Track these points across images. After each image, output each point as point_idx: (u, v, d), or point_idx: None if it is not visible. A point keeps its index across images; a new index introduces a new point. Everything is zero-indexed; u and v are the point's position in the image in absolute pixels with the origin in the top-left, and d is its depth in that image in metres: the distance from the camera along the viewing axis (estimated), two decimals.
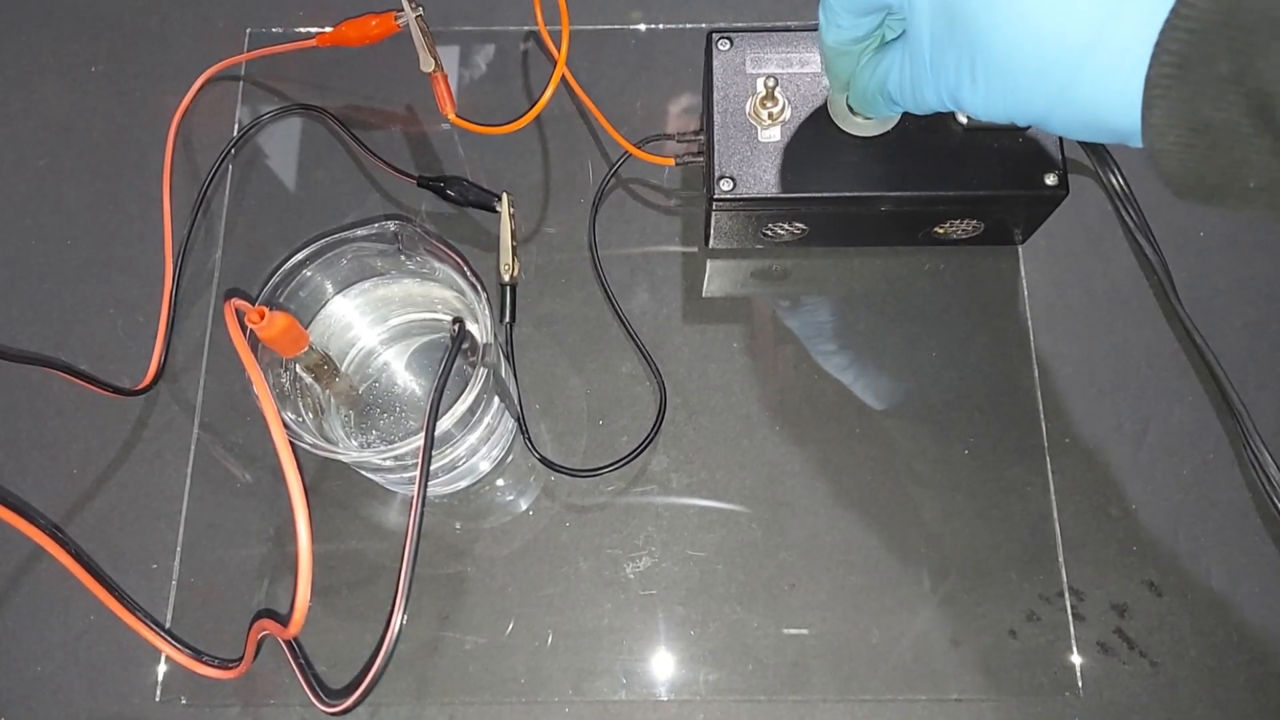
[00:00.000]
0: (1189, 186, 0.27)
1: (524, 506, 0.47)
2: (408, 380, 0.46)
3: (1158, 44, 0.25)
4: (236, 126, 0.55)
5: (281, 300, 0.40)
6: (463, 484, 0.47)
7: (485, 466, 0.47)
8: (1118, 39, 0.26)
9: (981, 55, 0.30)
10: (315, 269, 0.41)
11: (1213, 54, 0.24)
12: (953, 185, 0.44)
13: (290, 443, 0.33)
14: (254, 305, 0.35)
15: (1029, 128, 0.45)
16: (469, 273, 0.40)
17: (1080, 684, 0.44)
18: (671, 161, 0.51)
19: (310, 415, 0.42)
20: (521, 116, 0.51)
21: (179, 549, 0.47)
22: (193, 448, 0.49)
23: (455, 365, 0.37)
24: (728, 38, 0.47)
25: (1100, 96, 0.28)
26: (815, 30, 0.46)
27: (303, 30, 0.57)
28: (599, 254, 0.51)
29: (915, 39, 0.33)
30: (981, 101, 0.32)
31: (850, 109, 0.45)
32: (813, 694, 0.44)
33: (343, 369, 0.44)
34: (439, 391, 0.36)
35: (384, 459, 0.38)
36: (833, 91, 0.45)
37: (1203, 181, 0.27)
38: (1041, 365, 0.49)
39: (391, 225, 0.40)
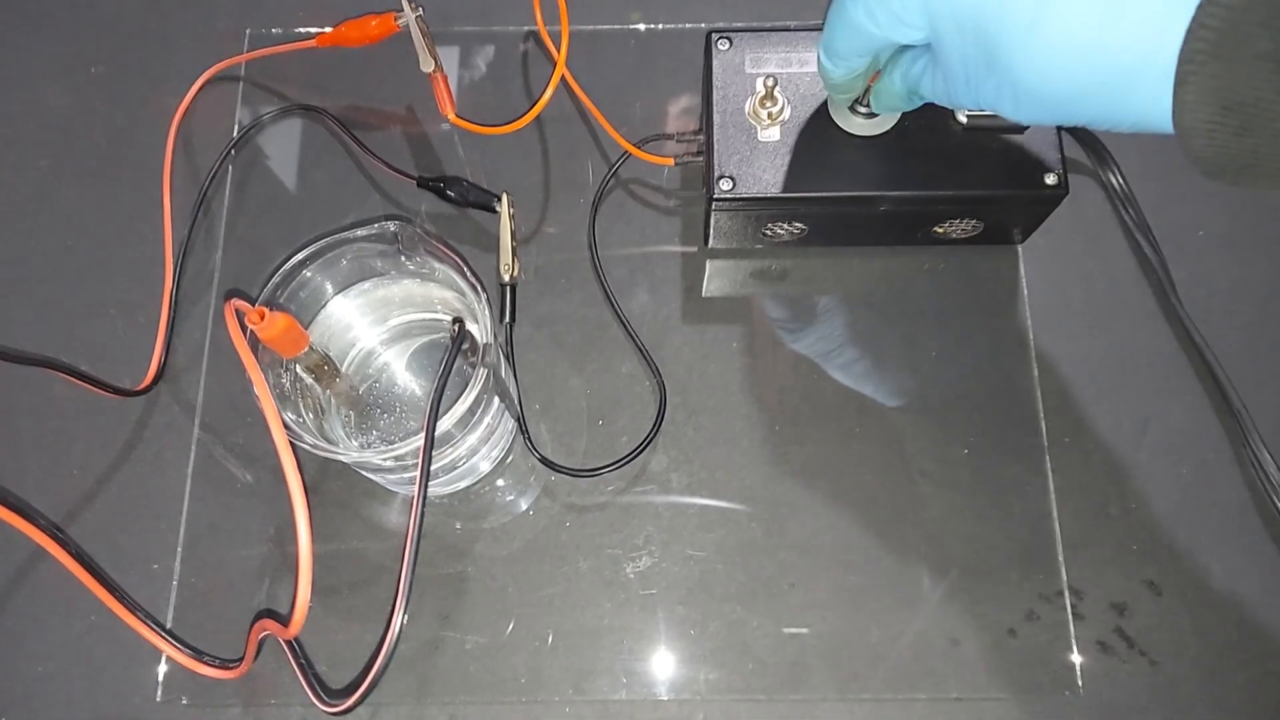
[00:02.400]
0: (1218, 166, 0.27)
1: (524, 506, 0.48)
2: (408, 380, 0.46)
3: (1194, 20, 0.25)
4: (236, 127, 0.55)
5: (281, 301, 0.40)
6: (463, 484, 0.47)
7: (485, 466, 0.47)
8: (1161, 64, 0.26)
9: (1023, 87, 0.30)
10: (315, 269, 0.41)
11: (1250, 31, 0.24)
12: (953, 185, 0.44)
13: (290, 443, 0.33)
14: (254, 306, 0.35)
15: (1030, 127, 0.45)
16: (469, 273, 0.40)
17: (1080, 683, 0.44)
18: (671, 161, 0.51)
19: (310, 415, 0.42)
20: (521, 116, 0.51)
21: (179, 549, 0.47)
22: (193, 448, 0.49)
23: (455, 365, 0.37)
24: (727, 38, 0.47)
25: (1151, 110, 0.28)
26: (815, 30, 0.47)
27: (303, 30, 0.57)
28: (599, 254, 0.51)
29: (947, 65, 0.33)
30: (1025, 118, 0.32)
31: (851, 108, 0.45)
32: (813, 693, 0.44)
33: (343, 369, 0.44)
34: (439, 391, 0.36)
35: (384, 459, 0.38)
36: (839, 105, 0.45)
37: (1232, 161, 0.27)
38: (1041, 365, 0.49)
39: (391, 225, 0.40)
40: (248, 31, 0.58)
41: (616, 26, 0.57)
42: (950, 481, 0.47)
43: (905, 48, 0.37)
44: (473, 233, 0.52)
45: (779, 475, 0.47)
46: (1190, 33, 0.25)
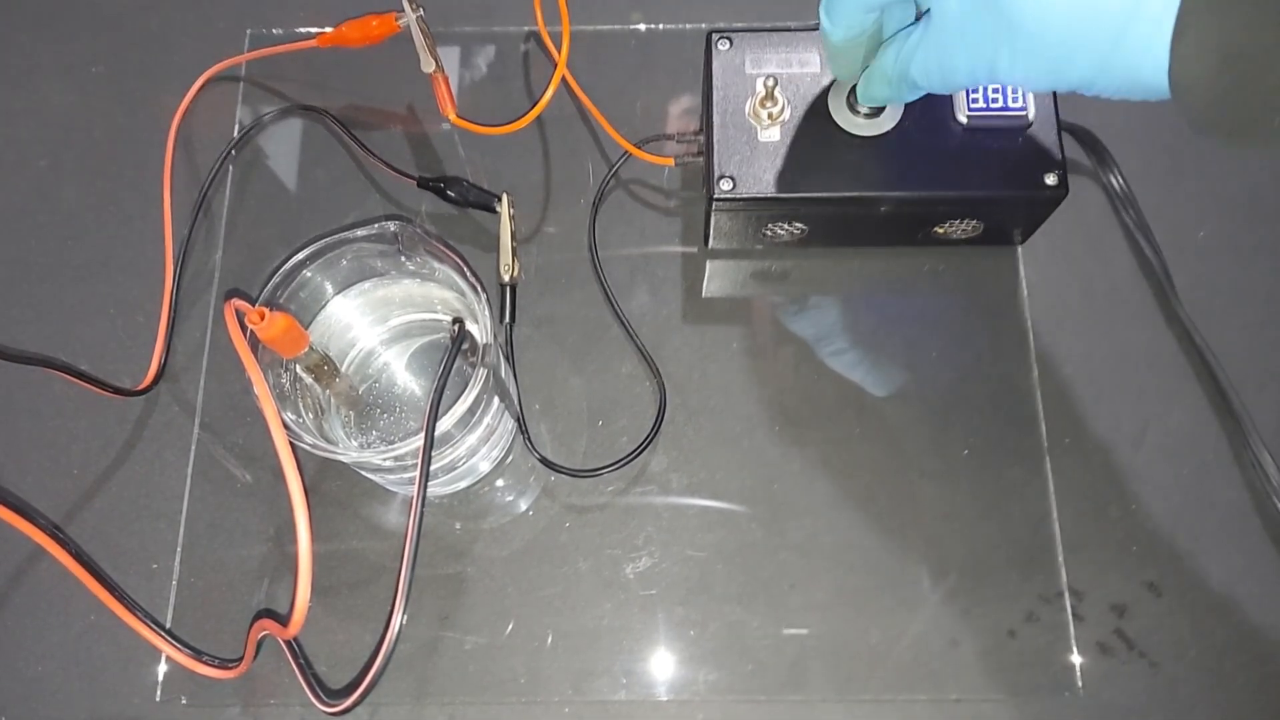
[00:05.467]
0: (1212, 121, 0.27)
1: (524, 506, 0.47)
2: (408, 380, 0.46)
3: None
4: (237, 126, 0.55)
5: (281, 300, 0.40)
6: (463, 484, 0.47)
7: (485, 467, 0.47)
8: (1152, 9, 0.26)
9: (1020, 33, 0.30)
10: (315, 269, 0.41)
11: None
12: (953, 185, 0.44)
13: (290, 443, 0.33)
14: (254, 305, 0.35)
15: (1030, 127, 0.45)
16: (469, 273, 0.40)
17: (1080, 684, 0.44)
18: (671, 161, 0.51)
19: (310, 415, 0.42)
20: (522, 117, 0.51)
21: (179, 549, 0.47)
22: (193, 448, 0.49)
23: (455, 365, 0.37)
24: (727, 38, 0.47)
25: (1145, 58, 0.27)
26: (815, 30, 0.47)
27: (303, 30, 0.57)
28: (599, 254, 0.51)
29: (942, 21, 0.33)
30: (1020, 76, 0.31)
31: (851, 108, 0.45)
32: (812, 694, 0.44)
33: (343, 369, 0.44)
34: (439, 391, 0.36)
35: (384, 459, 0.38)
36: (843, 83, 0.44)
37: (1225, 116, 0.26)
38: (1041, 365, 0.49)
39: (391, 225, 0.40)
40: (248, 31, 0.58)
41: (617, 27, 0.57)
42: (950, 482, 0.47)
43: (895, 34, 0.37)
44: (473, 233, 0.52)
45: (779, 475, 0.47)
46: None
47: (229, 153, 0.54)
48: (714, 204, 0.45)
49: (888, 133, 0.45)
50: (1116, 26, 0.27)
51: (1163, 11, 0.26)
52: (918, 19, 0.37)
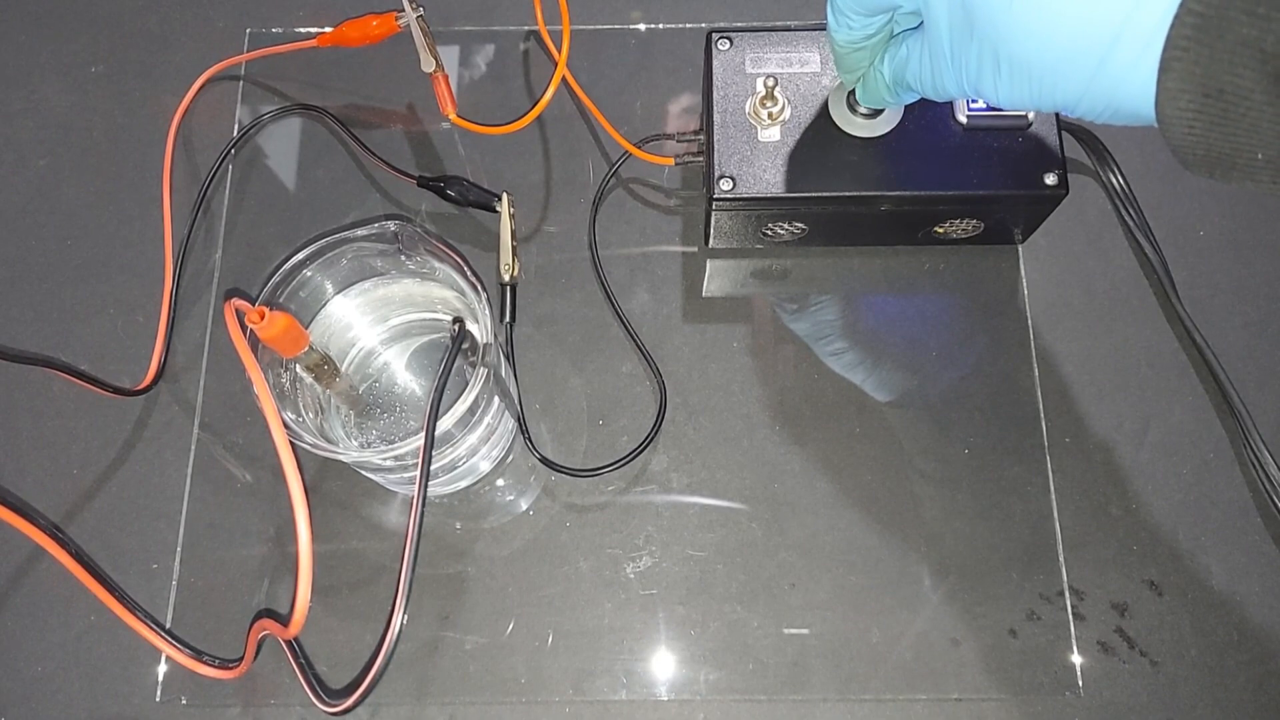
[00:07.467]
0: (1197, 157, 0.27)
1: (524, 506, 0.47)
2: (408, 380, 0.46)
3: (1181, 4, 0.25)
4: (236, 126, 0.55)
5: (281, 300, 0.40)
6: (463, 484, 0.47)
7: (485, 466, 0.47)
8: (1143, 28, 0.26)
9: (1004, 51, 0.30)
10: (315, 269, 0.41)
11: (1234, 16, 0.24)
12: (953, 185, 0.44)
13: (290, 443, 0.33)
14: (254, 305, 0.35)
15: (1029, 127, 0.45)
16: (469, 273, 0.40)
17: (1080, 683, 0.44)
18: (671, 161, 0.51)
19: (310, 415, 0.42)
20: (522, 116, 0.51)
21: (179, 549, 0.47)
22: (193, 448, 0.49)
23: (455, 365, 0.37)
24: (728, 37, 0.47)
25: (1127, 85, 0.27)
26: (815, 30, 0.47)
27: (303, 30, 0.57)
28: (599, 254, 0.51)
29: (934, 33, 0.33)
30: (1005, 93, 0.31)
31: (851, 108, 0.45)
32: (813, 694, 0.44)
33: (343, 369, 0.44)
34: (439, 391, 0.36)
35: (384, 459, 0.38)
36: (845, 85, 0.44)
37: (1210, 151, 0.27)
38: (1041, 365, 0.49)
39: (391, 225, 0.40)
40: (248, 31, 0.58)
41: (617, 26, 0.57)
42: (950, 481, 0.47)
43: (895, 38, 0.38)
44: (473, 232, 0.52)
45: (779, 475, 0.47)
46: (1177, 18, 0.25)
47: (229, 152, 0.54)
48: (714, 204, 0.45)
49: (888, 132, 0.45)
50: (1099, 55, 0.28)
51: (1145, 44, 0.26)
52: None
